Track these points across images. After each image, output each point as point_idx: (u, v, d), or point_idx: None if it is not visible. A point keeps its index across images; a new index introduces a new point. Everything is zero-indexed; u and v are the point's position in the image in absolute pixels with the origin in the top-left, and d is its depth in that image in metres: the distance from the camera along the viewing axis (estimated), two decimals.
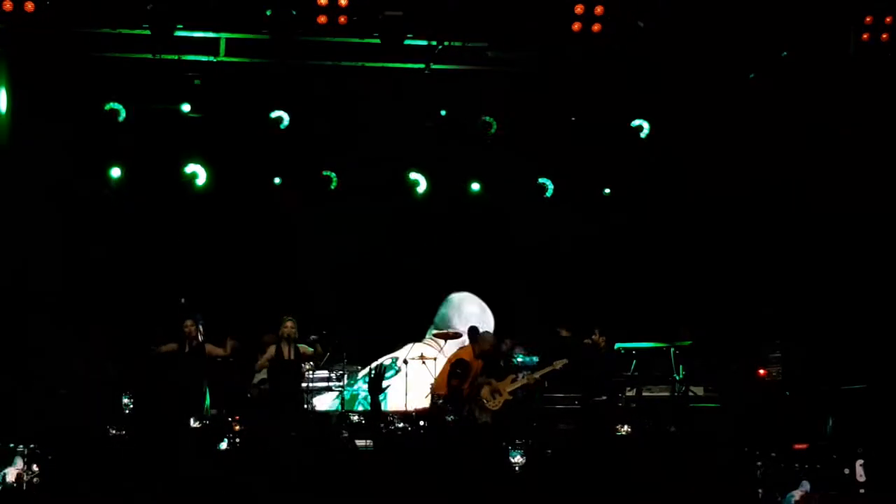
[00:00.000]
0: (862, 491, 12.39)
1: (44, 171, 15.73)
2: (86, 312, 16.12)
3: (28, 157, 15.47)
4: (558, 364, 14.52)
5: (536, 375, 14.67)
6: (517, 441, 13.91)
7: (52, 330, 15.62)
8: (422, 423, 14.93)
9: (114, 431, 14.18)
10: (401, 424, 14.86)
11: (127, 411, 14.89)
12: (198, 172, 16.58)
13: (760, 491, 12.30)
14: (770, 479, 12.44)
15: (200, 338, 14.69)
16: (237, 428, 13.97)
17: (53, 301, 15.97)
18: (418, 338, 17.63)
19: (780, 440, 13.50)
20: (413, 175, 17.09)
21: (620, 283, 17.27)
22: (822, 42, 14.56)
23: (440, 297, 18.05)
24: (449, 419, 14.57)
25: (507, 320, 17.37)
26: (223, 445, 13.94)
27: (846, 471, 12.55)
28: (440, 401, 14.85)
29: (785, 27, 14.50)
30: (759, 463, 12.84)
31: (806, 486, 12.19)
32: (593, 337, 14.77)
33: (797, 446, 13.09)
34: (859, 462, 12.49)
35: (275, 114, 15.89)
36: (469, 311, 17.86)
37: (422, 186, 17.15)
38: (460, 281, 17.96)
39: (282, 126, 15.91)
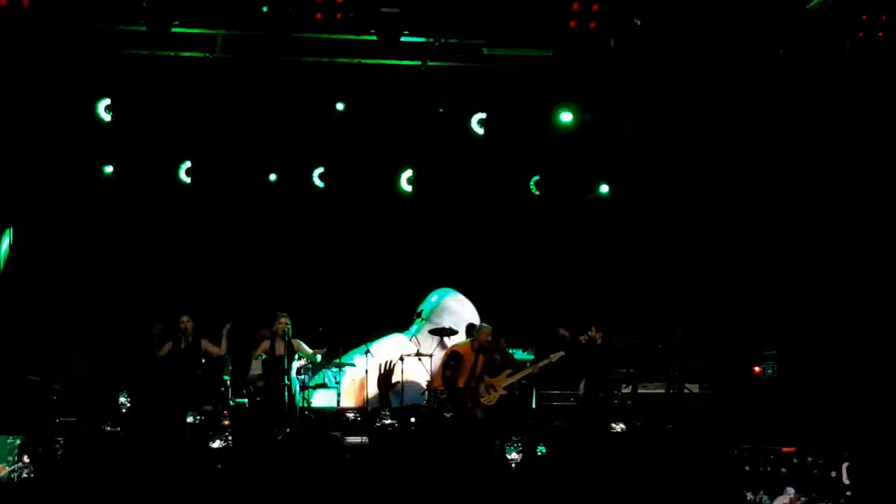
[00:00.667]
0: (848, 493, 12.29)
1: (42, 170, 15.76)
2: (86, 312, 16.13)
3: (26, 156, 15.52)
4: (555, 357, 14.51)
5: (533, 368, 14.66)
6: (513, 438, 13.88)
7: (52, 330, 15.63)
8: (416, 419, 14.90)
9: (109, 428, 14.17)
10: (390, 421, 14.81)
11: (124, 409, 14.88)
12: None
13: (749, 494, 12.24)
14: (755, 482, 12.37)
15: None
16: (227, 423, 13.95)
17: (53, 301, 15.98)
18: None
19: (772, 440, 13.44)
20: (410, 173, 17.07)
21: (618, 282, 17.23)
22: (821, 41, 14.51)
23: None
24: (447, 416, 14.57)
25: (507, 320, 17.31)
26: (218, 443, 13.93)
27: (832, 474, 12.45)
28: (443, 395, 14.82)
29: (784, 27, 14.46)
30: (746, 467, 12.79)
31: (791, 492, 12.12)
32: (590, 333, 14.77)
33: (784, 450, 13.01)
34: (845, 465, 12.40)
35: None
36: (454, 309, 17.65)
37: (419, 185, 17.11)
38: (460, 281, 17.91)
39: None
